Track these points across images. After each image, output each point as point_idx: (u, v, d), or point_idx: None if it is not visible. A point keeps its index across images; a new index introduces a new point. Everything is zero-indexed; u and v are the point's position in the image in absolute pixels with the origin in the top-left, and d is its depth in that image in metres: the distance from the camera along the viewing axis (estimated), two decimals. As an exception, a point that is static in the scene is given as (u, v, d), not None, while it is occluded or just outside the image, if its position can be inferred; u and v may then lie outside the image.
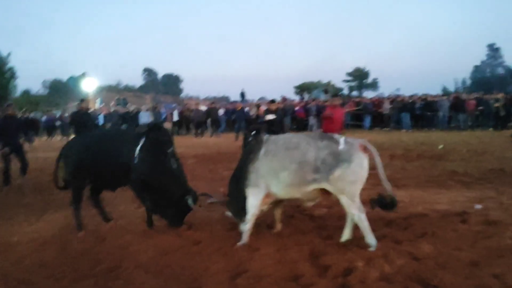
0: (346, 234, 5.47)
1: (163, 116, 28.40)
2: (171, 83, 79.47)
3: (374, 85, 61.38)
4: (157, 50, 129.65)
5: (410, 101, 26.10)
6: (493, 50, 73.54)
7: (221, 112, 28.27)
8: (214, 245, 5.48)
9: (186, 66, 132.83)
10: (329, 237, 5.65)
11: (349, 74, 61.38)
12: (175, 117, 28.45)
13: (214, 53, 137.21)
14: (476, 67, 74.56)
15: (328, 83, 54.92)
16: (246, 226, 5.54)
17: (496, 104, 22.76)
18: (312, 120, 26.02)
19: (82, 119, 11.46)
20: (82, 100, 11.97)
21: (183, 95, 76.02)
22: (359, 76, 60.76)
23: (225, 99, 60.32)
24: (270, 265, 4.79)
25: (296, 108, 27.29)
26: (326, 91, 43.16)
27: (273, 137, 5.73)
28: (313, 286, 4.23)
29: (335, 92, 39.72)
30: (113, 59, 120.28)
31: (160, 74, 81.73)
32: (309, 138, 5.38)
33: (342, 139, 5.25)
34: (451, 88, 59.99)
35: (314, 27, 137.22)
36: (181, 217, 6.29)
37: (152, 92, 70.06)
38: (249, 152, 5.60)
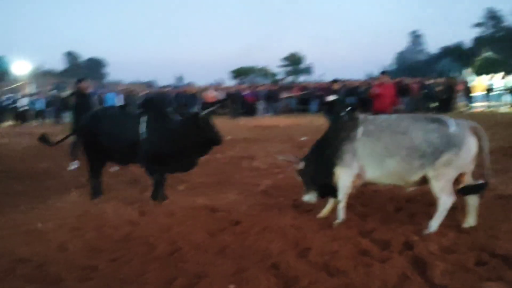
0: (470, 221, 5.16)
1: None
2: (95, 67, 76.16)
3: (308, 71, 62.49)
4: (80, 33, 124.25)
5: (356, 85, 26.93)
6: (416, 37, 76.97)
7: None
8: (256, 225, 5.46)
9: (111, 49, 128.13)
10: (365, 215, 5.81)
11: (284, 59, 62.04)
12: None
13: (143, 36, 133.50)
14: (399, 53, 77.84)
15: (264, 68, 55.28)
16: (341, 205, 5.54)
17: (438, 88, 24.06)
18: (260, 105, 26.29)
19: (83, 102, 10.70)
20: (81, 80, 11.15)
21: (107, 79, 73.15)
22: (294, 62, 61.53)
23: (150, 84, 58.57)
24: (328, 242, 4.83)
25: (245, 93, 27.39)
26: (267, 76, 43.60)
27: (371, 117, 5.56)
28: (389, 260, 4.28)
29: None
30: (32, 41, 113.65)
31: (83, 58, 78.04)
32: (415, 120, 5.11)
33: (452, 121, 4.95)
34: (376, 73, 61.95)
35: (249, 11, 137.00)
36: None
37: (76, 77, 66.80)
38: (343, 129, 5.44)
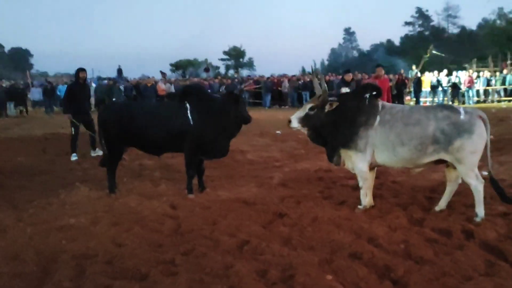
0: (441, 204, 5.65)
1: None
2: (19, 57, 72.05)
3: (250, 65, 62.60)
4: (3, 22, 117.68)
5: (308, 79, 27.32)
6: (349, 34, 79.10)
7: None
8: (304, 217, 5.50)
9: (37, 40, 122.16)
10: (402, 205, 5.96)
11: (226, 52, 61.84)
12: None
13: (73, 28, 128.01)
14: (333, 49, 79.74)
15: (205, 61, 54.83)
16: (362, 192, 5.74)
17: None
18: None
19: (81, 92, 10.47)
20: (82, 70, 10.68)
21: (33, 71, 69.62)
22: (236, 55, 61.47)
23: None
24: (389, 231, 4.97)
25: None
26: (207, 70, 43.27)
27: (388, 105, 5.74)
28: (465, 247, 4.41)
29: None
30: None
31: (6, 48, 73.66)
32: (428, 110, 5.40)
33: (462, 109, 5.27)
34: (310, 69, 62.95)
35: (189, 4, 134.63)
36: None
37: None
38: (361, 115, 5.55)
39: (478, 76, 26.64)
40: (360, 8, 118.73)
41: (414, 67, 24.65)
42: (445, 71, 26.39)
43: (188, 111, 6.63)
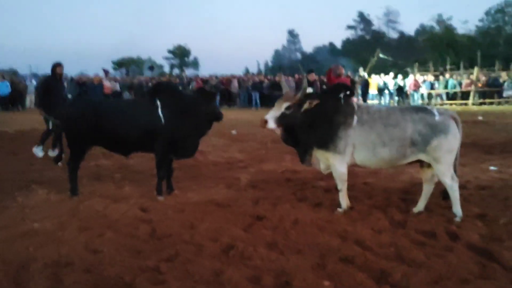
0: (420, 206, 5.65)
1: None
2: None
3: (195, 64, 62.02)
4: None
5: (258, 80, 27.34)
6: (293, 36, 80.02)
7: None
8: (284, 219, 5.35)
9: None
10: (379, 207, 5.92)
11: (170, 51, 60.95)
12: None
13: (5, 22, 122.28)
14: (277, 51, 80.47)
15: (148, 59, 53.94)
16: (341, 194, 5.65)
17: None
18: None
19: (57, 88, 9.91)
20: (59, 64, 10.05)
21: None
22: (180, 54, 60.67)
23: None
24: (374, 234, 4.90)
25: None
26: (152, 68, 42.58)
27: (364, 105, 5.72)
28: (455, 249, 4.40)
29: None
30: None
31: None
32: (403, 112, 5.41)
33: (436, 110, 5.38)
34: (254, 70, 63.57)
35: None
36: None
37: None
38: (338, 115, 5.44)
39: (424, 81, 27.42)
40: (304, 11, 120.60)
41: (361, 70, 25.08)
42: (391, 74, 27.03)
43: (159, 109, 6.33)
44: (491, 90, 26.72)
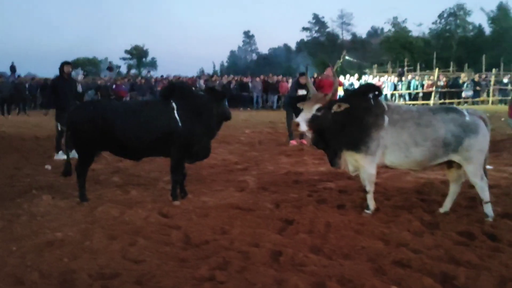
0: (446, 206, 5.65)
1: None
2: None
3: (153, 64, 61.01)
4: None
5: (226, 81, 27.18)
6: (249, 37, 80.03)
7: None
8: (314, 222, 5.24)
9: None
10: (403, 208, 5.94)
11: (128, 52, 59.69)
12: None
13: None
14: (232, 52, 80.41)
15: (106, 60, 52.71)
16: (369, 196, 5.57)
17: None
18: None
19: (66, 88, 9.58)
20: (67, 63, 9.61)
21: None
22: (138, 55, 59.56)
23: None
24: (415, 236, 4.83)
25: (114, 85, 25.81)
26: (110, 69, 41.67)
27: (393, 105, 5.65)
28: (501, 251, 4.41)
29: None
30: None
31: None
32: (434, 112, 5.39)
33: (465, 111, 5.39)
34: (210, 70, 63.34)
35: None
36: None
37: None
38: (370, 115, 5.35)
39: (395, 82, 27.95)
40: (260, 12, 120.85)
41: (329, 70, 25.23)
42: (356, 75, 27.42)
43: (175, 111, 6.10)
44: (452, 91, 27.50)
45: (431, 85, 27.47)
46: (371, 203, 5.63)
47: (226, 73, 45.44)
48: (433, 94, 26.95)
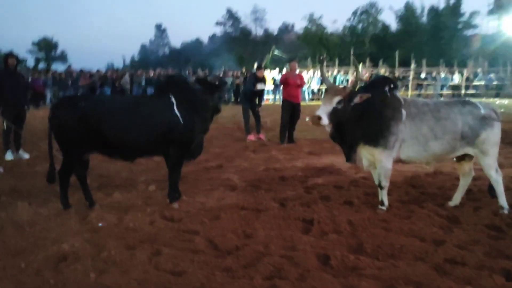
0: (456, 199, 5.64)
1: None
2: None
3: (63, 58, 57.72)
4: None
5: (151, 76, 26.30)
6: (161, 31, 78.39)
7: None
8: (335, 220, 5.05)
9: None
10: (413, 200, 5.89)
11: (35, 44, 56.04)
12: None
13: None
14: (143, 45, 78.49)
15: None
16: (384, 192, 5.43)
17: (237, 81, 25.22)
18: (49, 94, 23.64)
19: (12, 81, 8.71)
20: (11, 55, 8.48)
21: None
22: (46, 47, 56.10)
23: None
24: (438, 230, 4.81)
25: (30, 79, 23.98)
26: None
27: (409, 99, 5.56)
28: None
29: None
30: None
31: None
32: (451, 105, 5.36)
33: (480, 104, 5.37)
34: (119, 64, 61.65)
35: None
36: None
37: None
38: (388, 109, 5.22)
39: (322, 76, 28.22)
40: (172, 6, 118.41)
41: (255, 65, 25.20)
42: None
43: (175, 106, 5.62)
44: (374, 86, 28.35)
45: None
46: (386, 199, 5.49)
47: (137, 67, 43.84)
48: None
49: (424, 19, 49.64)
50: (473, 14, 46.70)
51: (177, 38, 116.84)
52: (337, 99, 5.08)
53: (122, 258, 4.12)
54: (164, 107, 5.60)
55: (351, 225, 4.97)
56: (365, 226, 4.93)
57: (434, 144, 5.24)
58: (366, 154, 5.41)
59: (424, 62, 34.08)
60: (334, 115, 5.08)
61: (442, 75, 31.09)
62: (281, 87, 12.31)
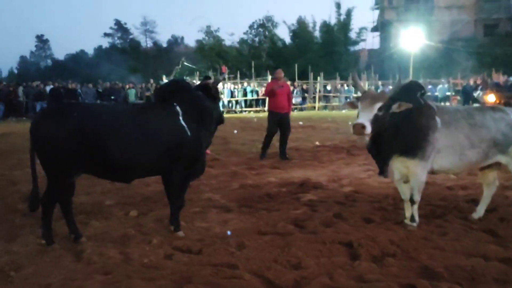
0: (480, 211, 5.32)
1: None
2: None
3: None
4: None
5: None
6: (42, 42, 74.03)
7: None
8: (371, 241, 4.51)
9: None
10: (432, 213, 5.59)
11: None
12: None
13: None
14: (23, 57, 73.68)
15: None
16: (416, 206, 4.99)
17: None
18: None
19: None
20: None
21: None
22: None
23: None
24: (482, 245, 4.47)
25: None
26: None
27: (439, 105, 5.25)
28: None
29: None
30: None
31: None
32: (482, 111, 5.11)
33: (510, 111, 5.12)
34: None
35: None
36: None
37: None
38: (422, 117, 4.80)
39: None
40: (55, 16, 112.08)
41: (164, 77, 24.30)
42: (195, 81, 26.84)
43: (180, 117, 4.79)
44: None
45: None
46: (416, 213, 5.06)
47: (17, 80, 40.07)
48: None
49: (317, 33, 51.00)
50: (361, 29, 48.84)
51: (61, 50, 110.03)
52: (378, 105, 4.53)
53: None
54: (169, 117, 4.76)
55: (397, 246, 4.45)
56: (414, 246, 4.44)
57: (471, 153, 4.91)
58: (399, 166, 4.93)
59: (322, 74, 34.65)
60: (375, 123, 4.53)
61: (346, 87, 31.99)
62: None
